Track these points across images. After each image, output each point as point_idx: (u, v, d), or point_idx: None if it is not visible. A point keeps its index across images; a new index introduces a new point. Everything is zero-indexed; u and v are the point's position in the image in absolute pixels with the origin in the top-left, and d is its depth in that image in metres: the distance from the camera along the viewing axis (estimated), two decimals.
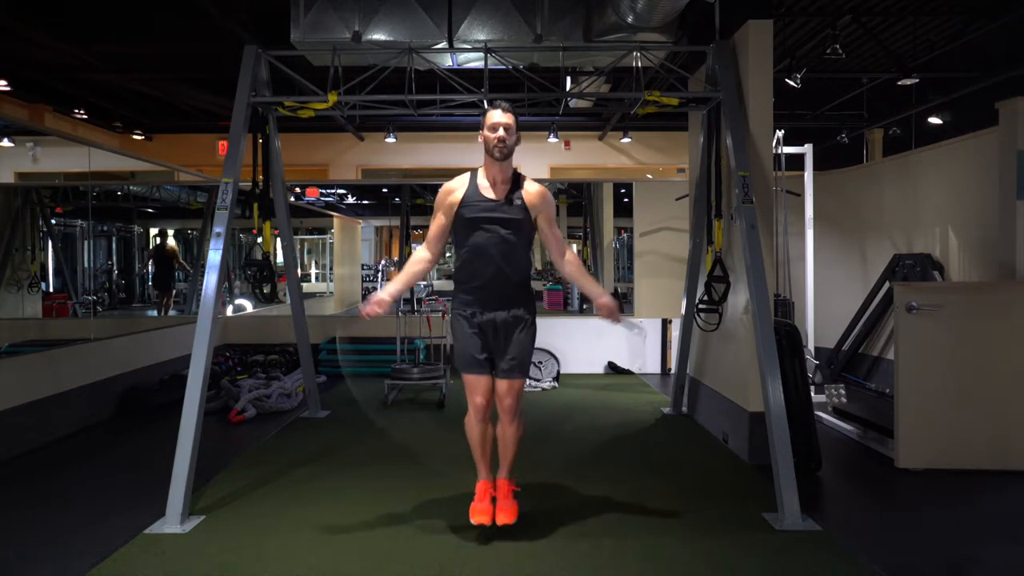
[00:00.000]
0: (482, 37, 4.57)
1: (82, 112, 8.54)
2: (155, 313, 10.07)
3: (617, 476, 3.82)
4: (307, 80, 4.38)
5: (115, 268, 10.57)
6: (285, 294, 5.89)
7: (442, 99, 4.52)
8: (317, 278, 14.64)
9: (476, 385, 2.98)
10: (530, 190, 2.94)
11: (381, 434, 4.76)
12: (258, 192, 4.55)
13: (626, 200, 8.91)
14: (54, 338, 7.31)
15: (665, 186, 7.27)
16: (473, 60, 4.85)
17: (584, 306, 9.93)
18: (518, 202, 2.90)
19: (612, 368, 7.15)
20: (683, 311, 5.18)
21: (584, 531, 3.06)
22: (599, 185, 9.47)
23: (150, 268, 10.62)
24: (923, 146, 6.25)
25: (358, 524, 3.14)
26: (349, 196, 14.10)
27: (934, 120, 7.83)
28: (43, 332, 7.52)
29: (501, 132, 2.83)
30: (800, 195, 6.01)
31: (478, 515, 2.98)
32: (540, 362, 6.55)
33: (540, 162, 9.40)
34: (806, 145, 6.02)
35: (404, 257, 10.26)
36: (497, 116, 2.85)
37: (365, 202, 14.63)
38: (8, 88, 7.30)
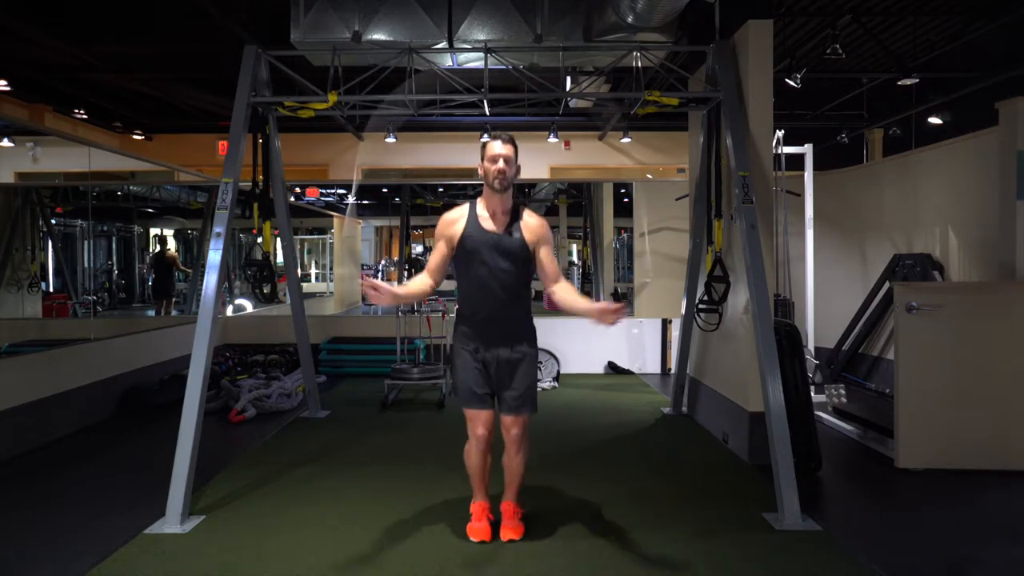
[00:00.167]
0: (482, 37, 4.57)
1: (82, 112, 8.53)
2: (155, 313, 10.07)
3: (617, 476, 3.82)
4: (307, 80, 4.38)
5: (115, 268, 10.56)
6: (285, 294, 5.89)
7: (442, 99, 4.52)
8: (317, 278, 14.64)
9: (478, 419, 2.93)
10: (530, 222, 2.89)
11: (381, 434, 4.76)
12: (258, 192, 4.55)
13: (626, 200, 8.91)
14: (54, 338, 7.31)
15: (665, 186, 7.27)
16: (473, 60, 4.84)
17: None
18: (517, 234, 2.85)
19: (612, 368, 7.15)
20: (683, 311, 5.18)
21: (584, 531, 3.06)
22: (599, 185, 9.46)
23: (148, 275, 10.62)
24: (923, 146, 6.25)
25: (358, 524, 3.14)
26: (349, 196, 14.10)
27: (934, 120, 7.82)
28: (43, 332, 7.52)
29: (501, 164, 2.78)
30: (800, 195, 6.01)
31: (477, 535, 2.97)
32: (540, 362, 6.55)
33: (540, 162, 9.39)
34: (806, 145, 6.02)
35: (404, 257, 10.27)
36: (497, 148, 2.80)
37: (365, 202, 14.63)
38: (8, 88, 7.29)
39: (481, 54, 4.35)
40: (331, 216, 13.04)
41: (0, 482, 3.78)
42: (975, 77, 6.58)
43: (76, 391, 4.85)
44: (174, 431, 3.35)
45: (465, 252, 2.85)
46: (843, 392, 5.11)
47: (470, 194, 9.42)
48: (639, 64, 4.29)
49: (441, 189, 12.62)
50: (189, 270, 10.09)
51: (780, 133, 5.38)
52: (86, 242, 9.11)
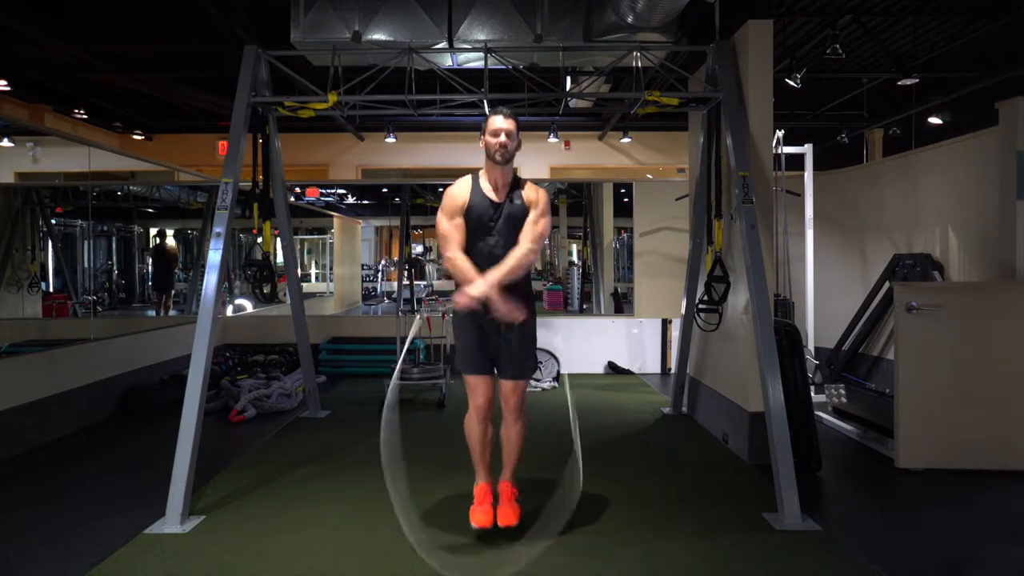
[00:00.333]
0: (482, 37, 4.57)
1: (82, 112, 8.54)
2: (155, 313, 10.07)
3: (617, 476, 3.82)
4: (307, 80, 4.38)
5: (115, 268, 10.56)
6: (285, 294, 5.89)
7: (442, 99, 4.52)
8: (317, 278, 14.64)
9: (478, 386, 3.00)
10: (528, 190, 2.99)
11: (381, 434, 4.75)
12: (258, 192, 4.55)
13: (626, 200, 8.91)
14: (54, 338, 7.31)
15: (665, 186, 7.27)
16: (473, 60, 4.85)
17: (584, 306, 9.93)
18: (518, 201, 2.94)
19: (612, 368, 7.15)
20: (683, 311, 5.18)
21: (584, 531, 3.06)
22: (599, 185, 9.46)
23: (149, 268, 10.61)
24: (923, 146, 6.25)
25: (358, 524, 3.14)
26: (349, 196, 14.10)
27: (934, 120, 7.83)
28: (43, 332, 7.52)
29: (503, 138, 2.87)
30: (800, 195, 6.01)
31: (478, 516, 2.99)
32: (540, 362, 6.55)
33: (540, 162, 9.40)
34: (806, 145, 6.01)
35: (404, 257, 10.24)
36: (499, 122, 2.89)
37: (365, 202, 14.63)
38: (8, 88, 7.30)
39: (481, 54, 4.35)
40: (331, 216, 13.04)
41: (0, 482, 3.78)
42: (975, 77, 6.59)
43: (76, 391, 4.85)
44: (174, 431, 3.35)
45: (469, 221, 2.93)
46: (843, 392, 5.11)
47: None
48: (639, 64, 4.29)
49: (441, 189, 12.60)
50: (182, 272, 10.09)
51: (780, 133, 5.38)
52: (86, 242, 9.11)
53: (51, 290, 8.21)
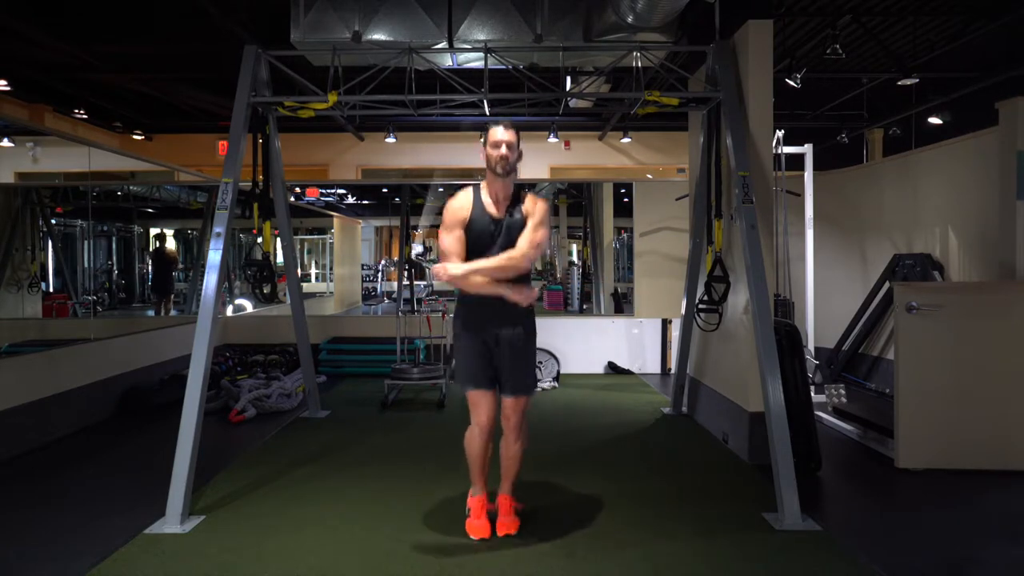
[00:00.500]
0: (482, 37, 4.57)
1: (82, 112, 8.54)
2: (154, 313, 10.07)
3: (617, 476, 3.82)
4: (307, 80, 4.38)
5: (115, 268, 10.56)
6: (285, 294, 5.89)
7: (442, 99, 4.52)
8: (317, 278, 14.65)
9: (480, 402, 2.96)
10: (527, 203, 2.93)
11: (381, 434, 4.76)
12: (258, 192, 4.55)
13: (626, 200, 8.91)
14: (54, 338, 7.32)
15: (665, 186, 7.27)
16: (473, 60, 4.85)
17: (584, 306, 9.93)
18: (518, 215, 2.90)
19: (612, 368, 7.15)
20: (683, 311, 5.18)
21: (584, 531, 3.06)
22: (599, 185, 9.46)
23: (149, 270, 10.61)
24: (923, 146, 6.24)
25: (358, 524, 3.14)
26: (349, 196, 14.11)
27: (934, 120, 7.83)
28: (43, 332, 7.52)
29: (504, 150, 2.84)
30: (800, 195, 6.01)
31: (476, 531, 2.98)
32: (540, 362, 6.55)
33: (540, 162, 9.40)
34: (806, 145, 6.02)
35: (404, 257, 10.25)
36: (500, 134, 2.87)
37: (365, 202, 14.63)
38: (8, 88, 7.30)
39: (481, 54, 4.35)
40: (331, 216, 13.04)
41: (0, 482, 3.78)
42: (975, 77, 6.59)
43: (76, 391, 4.85)
44: (174, 431, 3.35)
45: (470, 236, 2.90)
46: (843, 392, 5.11)
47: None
48: (639, 64, 4.29)
49: (441, 189, 12.62)
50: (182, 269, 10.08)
51: (780, 133, 5.38)
52: (86, 242, 9.11)
53: (51, 290, 8.21)
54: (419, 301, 6.39)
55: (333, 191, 13.31)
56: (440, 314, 6.32)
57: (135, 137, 9.43)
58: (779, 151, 5.48)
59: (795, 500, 3.18)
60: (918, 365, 3.91)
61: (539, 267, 13.73)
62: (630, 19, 4.26)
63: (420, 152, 9.56)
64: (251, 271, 4.92)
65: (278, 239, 4.86)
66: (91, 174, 5.82)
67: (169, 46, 6.49)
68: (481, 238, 2.88)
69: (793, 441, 3.39)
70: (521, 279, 2.97)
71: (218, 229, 3.73)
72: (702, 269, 4.82)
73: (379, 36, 4.55)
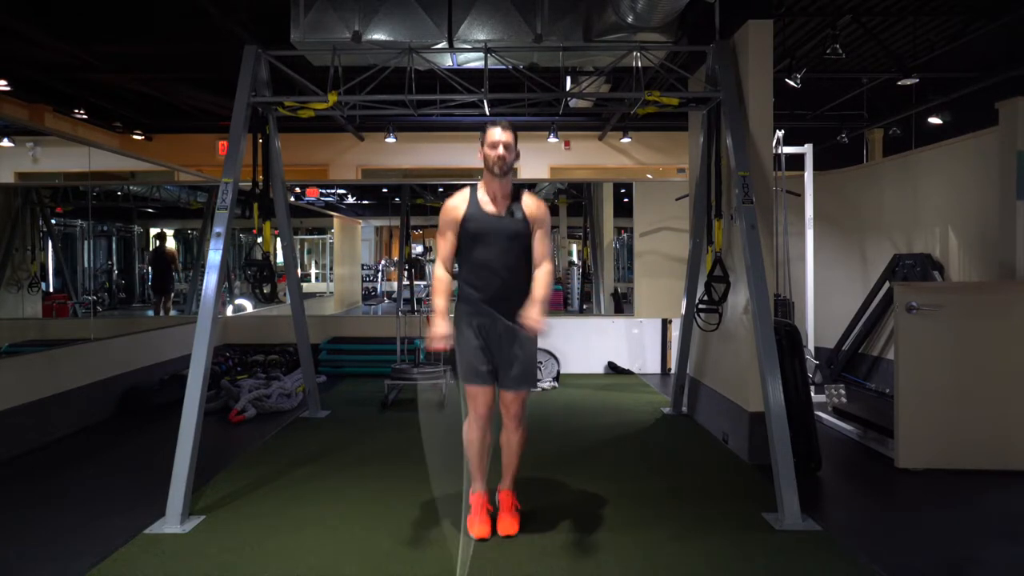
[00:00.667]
0: (482, 37, 4.57)
1: (82, 112, 8.55)
2: (154, 312, 10.07)
3: (617, 476, 3.82)
4: (307, 80, 4.38)
5: (115, 268, 10.56)
6: (285, 294, 5.89)
7: (442, 99, 4.52)
8: (317, 278, 14.64)
9: (478, 396, 2.98)
10: (529, 203, 2.97)
11: (381, 434, 4.76)
12: (258, 192, 4.55)
13: (626, 200, 8.91)
14: (54, 338, 7.32)
15: (665, 186, 7.27)
16: (473, 60, 4.85)
17: (584, 306, 9.92)
18: (518, 215, 2.93)
19: (612, 368, 7.15)
20: (683, 311, 5.18)
21: (584, 531, 3.06)
22: (599, 185, 9.46)
23: (148, 271, 10.61)
24: (923, 146, 6.25)
25: (358, 524, 3.14)
26: (349, 196, 14.10)
27: (934, 120, 7.83)
28: (43, 332, 7.52)
29: (501, 150, 2.87)
30: (800, 195, 6.01)
31: (477, 527, 2.98)
32: (540, 362, 6.55)
33: (540, 162, 9.41)
34: (806, 145, 6.02)
35: (404, 257, 10.25)
36: (497, 134, 2.89)
37: (365, 202, 14.63)
38: (8, 88, 7.30)
39: (481, 54, 4.35)
40: (331, 216, 13.04)
41: (0, 482, 3.78)
42: (975, 77, 6.59)
43: (76, 391, 4.85)
44: (174, 431, 3.35)
45: (468, 234, 2.92)
46: (843, 392, 5.11)
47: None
48: (639, 64, 4.29)
49: (441, 189, 12.60)
50: (181, 273, 10.07)
51: (780, 133, 5.38)
52: (86, 242, 9.11)
53: (51, 290, 8.21)
54: (419, 301, 6.39)
55: (333, 191, 13.31)
56: None
57: (135, 137, 9.44)
58: (779, 151, 5.48)
59: (795, 500, 3.18)
60: (918, 365, 3.91)
61: None
62: (630, 19, 4.26)
63: (420, 152, 9.56)
64: (251, 271, 4.92)
65: (278, 239, 4.86)
66: (91, 174, 5.82)
67: (169, 46, 6.50)
68: (478, 236, 2.91)
69: (793, 441, 3.39)
70: (524, 290, 2.97)
71: (218, 229, 3.73)
72: (702, 269, 4.82)
73: (379, 36, 4.55)
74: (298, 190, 11.37)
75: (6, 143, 7.60)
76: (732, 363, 4.45)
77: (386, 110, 4.79)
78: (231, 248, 8.13)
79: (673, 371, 5.64)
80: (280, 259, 6.09)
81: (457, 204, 2.95)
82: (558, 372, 6.68)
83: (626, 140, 9.27)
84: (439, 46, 4.60)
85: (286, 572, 2.68)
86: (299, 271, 5.87)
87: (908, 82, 6.59)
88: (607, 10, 4.43)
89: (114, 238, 10.57)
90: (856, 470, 4.06)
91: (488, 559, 2.79)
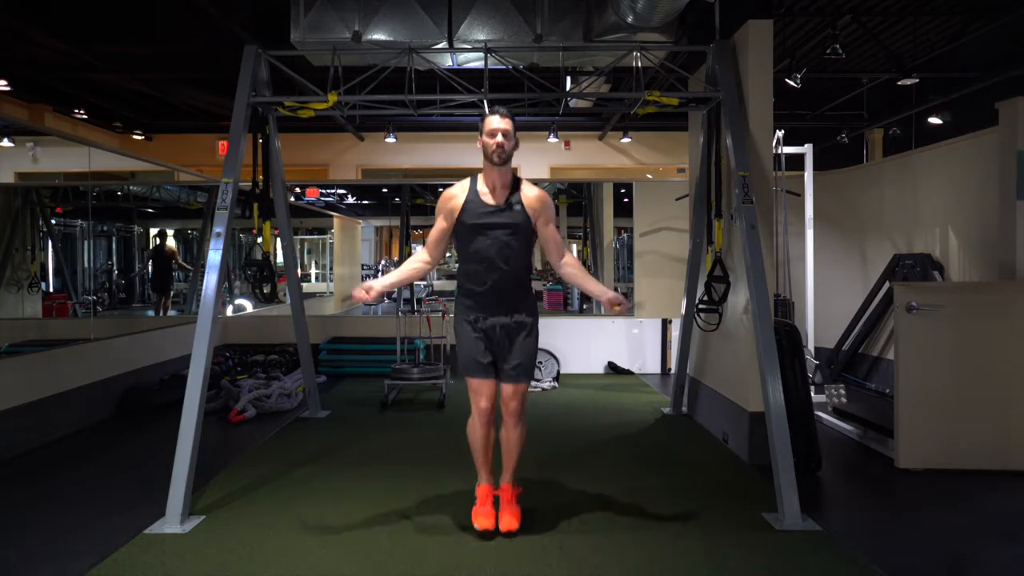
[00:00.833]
0: (482, 37, 4.57)
1: (82, 112, 8.55)
2: (154, 313, 10.07)
3: (617, 476, 3.82)
4: (307, 80, 4.38)
5: (115, 268, 10.56)
6: (285, 294, 5.89)
7: (442, 99, 4.52)
8: (317, 278, 14.64)
9: (480, 389, 2.99)
10: (529, 193, 2.95)
11: (381, 434, 4.76)
12: (258, 192, 4.55)
13: (626, 200, 8.91)
14: (54, 338, 7.31)
15: (665, 186, 7.27)
16: (473, 60, 4.85)
17: (584, 306, 9.92)
18: (517, 206, 2.92)
19: (612, 368, 7.15)
20: (683, 311, 5.18)
21: (584, 531, 3.06)
22: (599, 185, 9.46)
23: (148, 268, 10.61)
24: (923, 146, 6.25)
25: (358, 524, 3.14)
26: (349, 196, 14.10)
27: (934, 120, 7.83)
28: (43, 332, 7.52)
29: (500, 138, 2.86)
30: (800, 195, 6.01)
31: (481, 519, 3.00)
32: (540, 362, 6.55)
33: (540, 162, 9.41)
34: (806, 145, 6.02)
35: (404, 257, 10.27)
36: (495, 122, 2.88)
37: (365, 202, 14.63)
38: (8, 88, 7.30)
39: (481, 54, 4.35)
40: (331, 216, 13.04)
41: (0, 482, 3.78)
42: (975, 77, 6.59)
43: (76, 391, 4.85)
44: (174, 431, 3.35)
45: (466, 226, 2.92)
46: (843, 392, 5.11)
47: None
48: (639, 64, 4.29)
49: (441, 189, 12.59)
50: (190, 267, 10.05)
51: (780, 133, 5.38)
52: (86, 242, 9.11)
53: (51, 290, 8.21)
54: (419, 301, 6.39)
55: (333, 191, 13.31)
56: (440, 314, 6.32)
57: (135, 137, 9.44)
58: (779, 151, 5.48)
59: (795, 500, 3.18)
60: (918, 365, 3.91)
61: (539, 266, 13.73)
62: (630, 19, 4.26)
63: (420, 152, 9.56)
64: (251, 271, 4.92)
65: (278, 239, 4.86)
66: (91, 174, 5.81)
67: (169, 46, 6.49)
68: (477, 226, 2.90)
69: (793, 441, 3.39)
70: (523, 283, 2.99)
71: (218, 229, 3.73)
72: (702, 269, 4.82)
73: (379, 36, 4.55)
74: (298, 190, 11.37)
75: (6, 143, 7.60)
76: (732, 363, 4.45)
77: (386, 110, 4.79)
78: (231, 248, 8.13)
79: (673, 371, 5.64)
80: (280, 259, 6.09)
81: (455, 193, 2.95)
82: (558, 372, 6.68)
83: (626, 140, 9.27)
84: (439, 46, 4.60)
85: (286, 572, 2.68)
86: (299, 271, 5.87)
87: (908, 82, 6.59)
88: (607, 10, 4.43)
89: (114, 238, 10.57)
90: (856, 470, 4.06)
91: (488, 558, 2.79)
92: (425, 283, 13.55)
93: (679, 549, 2.88)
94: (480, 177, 2.98)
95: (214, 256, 3.68)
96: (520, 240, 2.93)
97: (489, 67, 4.35)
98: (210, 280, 3.65)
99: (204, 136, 9.32)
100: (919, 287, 4.62)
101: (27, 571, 2.71)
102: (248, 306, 8.90)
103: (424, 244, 3.05)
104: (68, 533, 3.06)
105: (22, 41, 5.96)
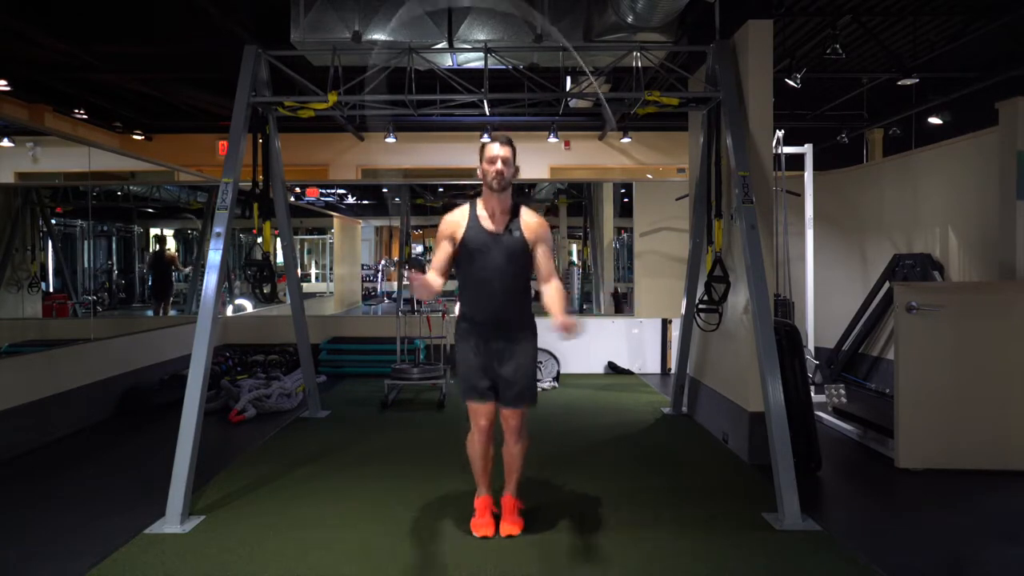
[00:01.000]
0: (482, 37, 4.57)
1: (82, 112, 8.54)
2: (154, 313, 10.06)
3: (617, 476, 3.82)
4: (307, 80, 4.38)
5: (115, 268, 10.56)
6: (285, 294, 5.89)
7: (442, 99, 4.52)
8: (317, 278, 14.64)
9: (479, 412, 3.00)
10: (529, 220, 2.93)
11: (381, 434, 4.76)
12: (258, 192, 4.55)
13: (626, 200, 8.91)
14: (54, 338, 7.31)
15: (665, 186, 7.27)
16: (473, 60, 4.84)
17: (584, 306, 9.93)
18: (517, 233, 2.89)
19: (612, 368, 7.15)
20: (683, 311, 5.18)
21: (584, 531, 3.06)
22: (599, 185, 9.46)
23: (148, 273, 10.61)
24: (923, 146, 6.25)
25: (358, 524, 3.14)
26: (349, 196, 14.10)
27: (934, 120, 7.82)
28: (43, 332, 7.52)
29: (499, 165, 2.84)
30: (800, 195, 6.01)
31: (481, 529, 3.01)
32: (540, 362, 6.54)
33: (540, 162, 9.40)
34: (806, 145, 6.02)
35: (404, 257, 10.27)
36: (495, 149, 2.86)
37: (365, 202, 14.63)
38: (8, 88, 7.29)
39: (481, 54, 4.35)
40: (331, 216, 13.03)
41: (0, 482, 3.78)
42: (975, 77, 6.58)
43: (76, 391, 4.85)
44: (174, 431, 3.35)
45: (467, 252, 2.90)
46: (843, 392, 5.11)
47: (470, 194, 9.47)
48: (639, 64, 4.29)
49: (441, 189, 12.62)
50: (187, 269, 10.05)
51: (780, 133, 5.38)
52: (86, 242, 9.11)
53: (51, 290, 8.21)
54: (419, 301, 6.38)
55: (333, 191, 13.31)
56: (440, 314, 6.32)
57: (135, 137, 9.43)
58: (779, 151, 5.48)
59: (795, 500, 3.18)
60: (918, 365, 3.91)
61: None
62: (630, 19, 4.26)
63: (420, 152, 9.55)
64: (251, 271, 4.92)
65: (278, 239, 4.86)
66: (91, 174, 5.82)
67: (169, 46, 6.49)
68: (477, 253, 2.88)
69: (793, 441, 3.39)
70: (523, 306, 2.99)
71: (218, 229, 3.73)
72: (702, 269, 4.82)
73: (379, 36, 4.55)
74: (298, 190, 11.37)
75: (6, 143, 7.59)
76: (732, 363, 4.45)
77: (386, 110, 4.79)
78: (231, 248, 8.13)
79: (673, 371, 5.64)
80: (280, 259, 6.09)
81: (457, 220, 2.92)
82: (558, 372, 6.68)
83: (626, 140, 9.26)
84: (439, 46, 4.60)
85: (286, 572, 2.68)
86: (299, 271, 5.86)
87: (908, 82, 6.58)
88: (607, 10, 4.43)
89: (114, 238, 10.56)
90: (856, 470, 4.06)
91: (488, 558, 2.79)
92: None
93: (679, 549, 2.88)
94: (479, 203, 2.94)
95: (214, 256, 3.68)
96: (519, 266, 2.91)
97: (489, 67, 4.35)
98: (210, 280, 3.65)
99: (204, 136, 9.31)
100: (919, 287, 4.62)
101: (27, 571, 2.71)
102: (248, 306, 8.90)
103: (431, 266, 2.96)
104: (68, 533, 3.06)
105: (22, 41, 5.95)
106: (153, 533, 3.05)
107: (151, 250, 10.95)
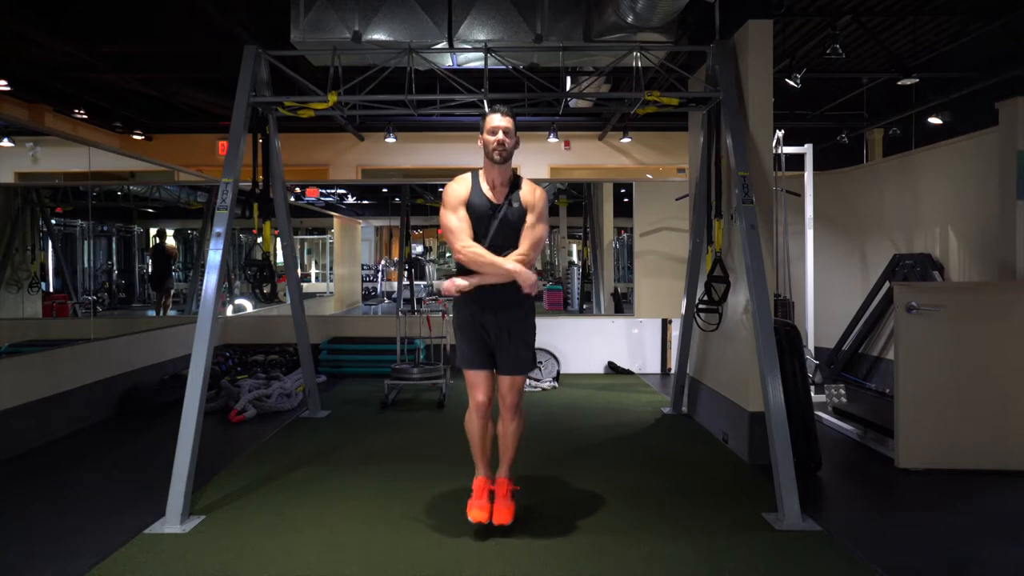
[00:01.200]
0: (482, 37, 4.57)
1: (82, 112, 8.54)
2: (154, 313, 10.07)
3: (617, 476, 3.82)
4: (307, 80, 4.38)
5: (115, 268, 10.56)
6: (285, 294, 5.89)
7: (442, 99, 4.52)
8: (317, 278, 14.65)
9: (477, 381, 3.03)
10: (526, 190, 3.00)
11: (381, 434, 4.76)
12: (258, 192, 4.55)
13: (626, 200, 8.91)
14: (54, 338, 7.31)
15: (665, 186, 7.27)
16: (473, 60, 4.84)
17: (584, 306, 9.93)
18: (516, 204, 2.95)
19: (612, 368, 7.15)
20: (683, 311, 5.18)
21: (584, 531, 3.06)
22: (599, 185, 9.46)
23: (148, 267, 10.62)
24: (923, 146, 6.25)
25: (358, 524, 3.14)
26: (349, 196, 14.10)
27: (934, 120, 7.82)
28: (43, 332, 7.52)
29: (500, 135, 2.89)
30: (800, 195, 6.01)
31: (476, 512, 3.01)
32: (540, 362, 6.55)
33: (540, 162, 9.40)
34: (806, 145, 6.02)
35: (404, 257, 10.25)
36: (496, 120, 2.91)
37: (365, 202, 14.63)
38: (8, 88, 7.30)
39: (481, 54, 4.35)
40: (331, 216, 13.04)
41: (0, 482, 3.78)
42: (975, 77, 6.58)
43: (76, 391, 4.85)
44: (174, 431, 3.35)
45: (469, 219, 2.94)
46: (843, 392, 5.11)
47: None
48: (639, 64, 4.29)
49: (441, 189, 12.61)
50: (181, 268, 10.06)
51: (780, 133, 5.38)
52: (86, 242, 9.11)
53: (51, 290, 8.21)
54: (419, 301, 6.39)
55: (333, 191, 13.31)
56: (440, 314, 6.32)
57: (135, 137, 9.43)
58: (779, 151, 5.49)
59: (795, 500, 3.18)
60: (918, 365, 3.91)
61: (539, 267, 13.73)
62: (630, 19, 4.26)
63: (420, 152, 9.55)
64: (251, 271, 4.92)
65: (278, 239, 4.86)
66: (91, 174, 5.81)
67: (169, 46, 6.49)
68: (479, 223, 2.94)
69: (793, 441, 3.39)
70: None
71: (218, 229, 3.73)
72: (702, 269, 4.82)
73: (379, 36, 4.55)
74: (298, 190, 11.37)
75: (6, 143, 7.59)
76: (732, 363, 4.45)
77: (386, 110, 4.79)
78: (231, 248, 8.13)
79: (673, 371, 5.64)
80: (280, 259, 6.09)
81: (461, 186, 2.98)
82: (558, 372, 6.68)
83: (626, 140, 9.26)
84: (439, 46, 4.60)
85: (286, 572, 2.68)
86: (299, 271, 5.87)
87: (908, 82, 6.58)
88: (607, 10, 4.43)
89: (114, 238, 10.56)
90: (856, 470, 4.06)
91: (488, 559, 2.79)
92: (425, 283, 13.54)
93: (679, 549, 2.88)
94: (481, 174, 3.01)
95: (214, 256, 3.68)
96: (518, 237, 2.95)
97: (489, 67, 4.35)
98: (210, 280, 3.65)
99: (204, 136, 9.32)
100: (919, 287, 4.62)
101: (27, 571, 2.71)
102: (248, 306, 8.90)
103: (456, 235, 2.91)
104: (68, 533, 3.06)
105: (22, 41, 5.95)
106: (153, 533, 3.05)
107: (152, 243, 10.97)
